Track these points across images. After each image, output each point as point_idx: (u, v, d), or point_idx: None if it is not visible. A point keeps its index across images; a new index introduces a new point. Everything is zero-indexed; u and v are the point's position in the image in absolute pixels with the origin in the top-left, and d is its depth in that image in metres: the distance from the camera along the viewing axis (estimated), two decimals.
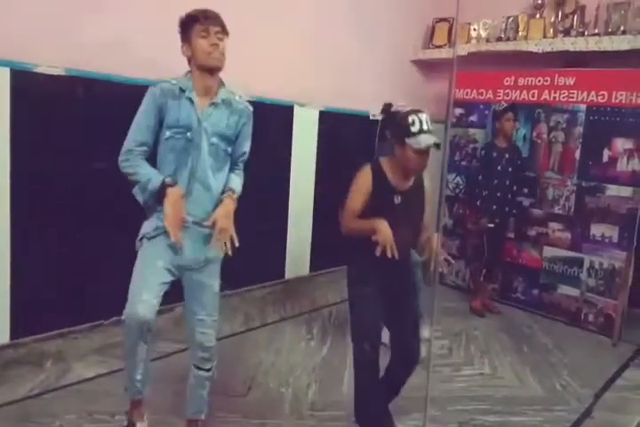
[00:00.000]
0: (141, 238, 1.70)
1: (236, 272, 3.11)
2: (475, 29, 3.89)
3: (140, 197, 1.65)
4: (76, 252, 2.41)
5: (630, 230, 3.09)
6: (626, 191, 3.11)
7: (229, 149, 1.72)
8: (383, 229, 1.72)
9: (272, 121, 3.11)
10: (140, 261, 1.67)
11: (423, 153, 1.81)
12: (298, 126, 3.31)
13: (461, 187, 3.89)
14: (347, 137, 3.61)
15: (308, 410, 2.17)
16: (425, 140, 1.77)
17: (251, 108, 1.77)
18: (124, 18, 2.43)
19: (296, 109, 3.23)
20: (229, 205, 1.68)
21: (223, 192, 1.72)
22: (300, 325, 2.96)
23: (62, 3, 2.28)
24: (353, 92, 3.13)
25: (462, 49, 3.90)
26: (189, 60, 1.67)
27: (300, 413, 2.14)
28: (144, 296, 1.57)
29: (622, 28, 3.24)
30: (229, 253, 1.64)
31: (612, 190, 3.17)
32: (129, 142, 1.63)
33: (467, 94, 3.86)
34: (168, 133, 1.62)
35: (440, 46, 4.13)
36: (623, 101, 3.12)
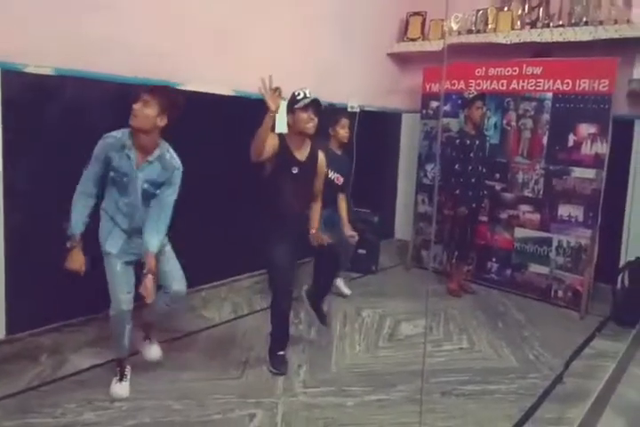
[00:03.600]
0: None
1: (224, 263, 3.21)
2: (445, 24, 4.00)
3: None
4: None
5: (595, 210, 3.29)
6: (590, 173, 3.30)
7: (157, 191, 2.13)
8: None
9: (255, 114, 3.18)
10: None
11: (307, 110, 2.33)
12: (279, 119, 3.38)
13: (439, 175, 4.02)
14: (325, 128, 3.68)
15: (301, 388, 2.29)
16: (307, 100, 2.32)
17: (179, 164, 2.14)
18: (118, 17, 2.47)
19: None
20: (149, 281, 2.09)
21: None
22: None
23: (53, 3, 2.29)
24: (332, 84, 3.22)
25: (437, 44, 4.02)
26: None
27: (292, 391, 2.26)
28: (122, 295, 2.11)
29: (584, 20, 3.40)
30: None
31: (577, 173, 3.35)
32: (83, 189, 2.05)
33: (440, 86, 3.98)
34: (112, 174, 2.06)
35: (414, 39, 4.23)
36: (586, 89, 3.29)
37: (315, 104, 2.35)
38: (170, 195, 2.13)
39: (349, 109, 3.92)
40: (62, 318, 2.50)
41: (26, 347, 2.36)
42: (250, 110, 3.14)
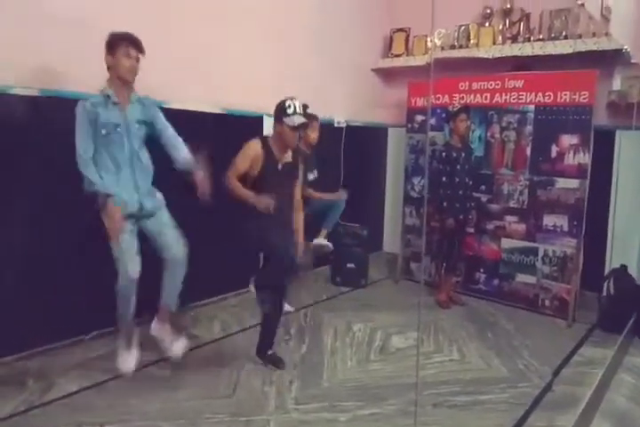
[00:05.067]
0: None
1: (212, 281, 3.19)
2: (430, 40, 4.09)
3: (87, 188, 2.17)
4: (54, 269, 2.43)
5: (579, 219, 3.34)
6: (573, 183, 3.36)
7: (148, 131, 2.32)
8: (259, 202, 2.34)
9: (243, 130, 3.22)
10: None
11: (295, 129, 2.42)
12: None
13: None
14: None
15: (293, 404, 2.27)
16: (297, 120, 2.38)
17: (155, 101, 2.38)
18: (98, 35, 2.49)
19: (266, 119, 3.33)
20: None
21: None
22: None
23: (31, 23, 2.32)
24: (318, 100, 3.27)
25: (421, 59, 4.10)
26: (109, 68, 2.17)
27: (284, 408, 2.24)
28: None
29: (564, 33, 3.50)
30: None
31: (561, 183, 3.41)
32: (80, 151, 2.14)
33: (426, 101, 4.05)
34: (104, 131, 2.16)
35: (398, 55, 4.32)
36: (567, 101, 3.36)
37: (304, 126, 2.43)
38: (167, 126, 2.36)
39: (335, 125, 3.97)
40: (49, 341, 2.47)
41: (12, 371, 2.33)
42: (233, 125, 3.20)
